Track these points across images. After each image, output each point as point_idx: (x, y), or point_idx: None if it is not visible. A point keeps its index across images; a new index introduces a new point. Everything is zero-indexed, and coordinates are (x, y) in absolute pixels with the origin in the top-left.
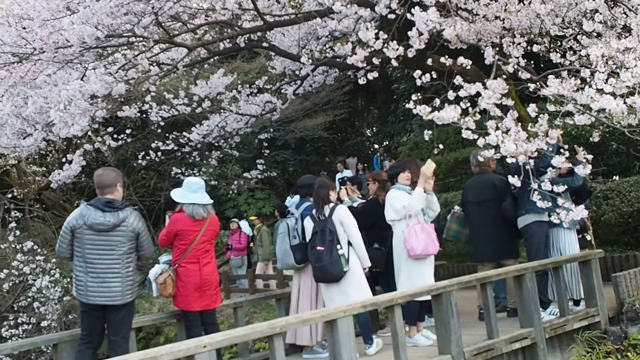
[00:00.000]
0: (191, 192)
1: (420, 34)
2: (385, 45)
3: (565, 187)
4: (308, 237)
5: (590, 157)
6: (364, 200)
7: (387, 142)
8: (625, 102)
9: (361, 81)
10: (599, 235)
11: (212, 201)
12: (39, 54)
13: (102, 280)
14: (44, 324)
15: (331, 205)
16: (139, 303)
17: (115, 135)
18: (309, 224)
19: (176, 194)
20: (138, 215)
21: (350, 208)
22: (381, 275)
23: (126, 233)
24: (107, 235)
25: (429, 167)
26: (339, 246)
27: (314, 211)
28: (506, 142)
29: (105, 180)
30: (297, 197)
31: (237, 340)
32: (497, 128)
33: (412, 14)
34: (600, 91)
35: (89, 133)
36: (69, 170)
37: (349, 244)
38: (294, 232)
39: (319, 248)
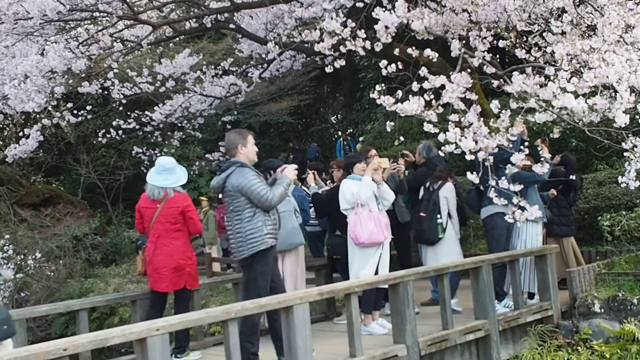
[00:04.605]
0: (156, 172)
1: (387, 28)
2: (352, 35)
3: (522, 186)
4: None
5: (548, 156)
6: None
7: (351, 130)
8: (586, 102)
9: (328, 69)
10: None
11: (174, 184)
12: None
13: None
14: None
15: (440, 182)
16: (93, 283)
17: (75, 112)
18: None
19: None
20: (241, 171)
21: (316, 194)
22: (340, 263)
23: (229, 192)
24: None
25: (380, 160)
26: (438, 216)
27: (427, 183)
28: (465, 138)
29: (226, 144)
30: None
31: (192, 324)
32: (460, 122)
33: (377, 14)
34: (563, 89)
35: (49, 108)
36: (25, 145)
37: (449, 216)
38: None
39: (421, 214)
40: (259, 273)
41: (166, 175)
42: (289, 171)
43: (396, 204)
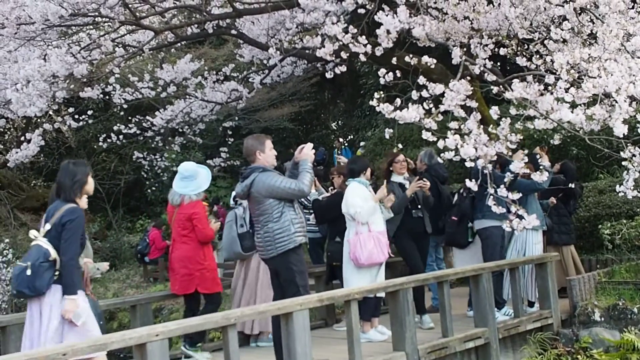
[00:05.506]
0: (179, 179)
1: (389, 32)
2: (353, 41)
3: (520, 194)
4: None
5: (548, 164)
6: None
7: (351, 136)
8: (585, 113)
9: (328, 75)
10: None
11: (193, 191)
12: None
13: None
14: None
15: None
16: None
17: (76, 116)
18: None
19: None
20: (264, 175)
21: (316, 201)
22: (340, 270)
23: (255, 198)
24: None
25: (383, 190)
26: (469, 220)
27: (461, 189)
28: (465, 145)
29: (245, 151)
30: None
31: (191, 329)
32: (459, 130)
33: (379, 17)
34: (560, 100)
35: (50, 112)
36: (26, 150)
37: None
38: (241, 220)
39: (453, 218)
40: (296, 272)
41: (187, 182)
42: (307, 152)
43: (425, 215)
